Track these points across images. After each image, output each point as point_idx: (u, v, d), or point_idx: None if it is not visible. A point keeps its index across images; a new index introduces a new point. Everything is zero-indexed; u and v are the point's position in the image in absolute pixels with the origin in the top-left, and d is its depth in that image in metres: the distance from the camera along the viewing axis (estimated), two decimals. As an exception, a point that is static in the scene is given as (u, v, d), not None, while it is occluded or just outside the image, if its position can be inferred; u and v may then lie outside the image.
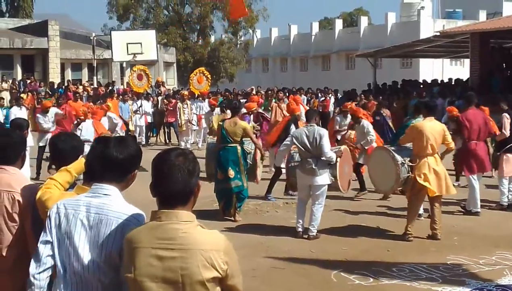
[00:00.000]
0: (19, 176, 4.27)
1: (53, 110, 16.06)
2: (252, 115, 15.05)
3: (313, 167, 9.42)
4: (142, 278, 2.91)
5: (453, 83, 31.86)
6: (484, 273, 8.08)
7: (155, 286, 2.89)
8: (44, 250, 3.28)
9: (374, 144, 12.79)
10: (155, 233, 2.93)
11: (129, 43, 32.21)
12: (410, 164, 9.83)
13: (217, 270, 2.89)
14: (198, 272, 2.87)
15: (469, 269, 8.23)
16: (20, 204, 4.09)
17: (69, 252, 3.25)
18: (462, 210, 11.57)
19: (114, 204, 3.26)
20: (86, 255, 3.21)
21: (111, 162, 3.31)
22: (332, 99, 30.63)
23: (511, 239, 9.74)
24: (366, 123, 13.29)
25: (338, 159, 9.76)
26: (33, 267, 3.31)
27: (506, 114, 11.93)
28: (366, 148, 12.93)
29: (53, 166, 5.01)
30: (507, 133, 11.80)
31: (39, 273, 3.28)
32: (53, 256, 3.28)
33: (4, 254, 4.08)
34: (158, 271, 2.90)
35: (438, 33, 33.46)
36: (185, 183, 2.96)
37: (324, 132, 9.57)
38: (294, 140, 9.70)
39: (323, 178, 9.54)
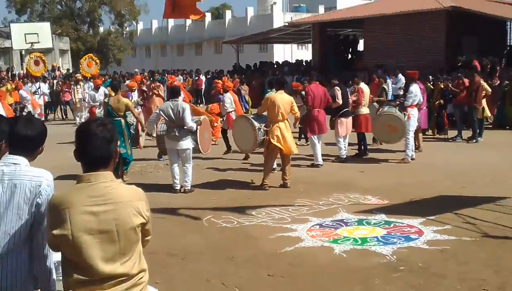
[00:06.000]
0: None
1: None
2: (135, 92, 14.96)
3: (177, 134, 9.38)
4: (78, 233, 2.78)
5: (299, 64, 32.68)
6: (323, 211, 8.37)
7: (91, 238, 2.79)
8: None
9: (233, 114, 13.01)
10: (86, 193, 2.82)
11: (27, 34, 30.85)
12: (265, 129, 10.02)
13: (143, 216, 2.90)
14: (129, 221, 2.84)
15: (312, 209, 8.50)
16: None
17: None
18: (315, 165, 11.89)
19: (24, 169, 3.12)
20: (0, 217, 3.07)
21: (21, 138, 3.18)
22: (203, 78, 30.60)
23: (344, 184, 10.13)
24: (228, 95, 13.45)
25: (198, 127, 9.74)
26: None
27: (337, 87, 12.26)
28: (224, 115, 13.18)
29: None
30: (340, 102, 12.17)
31: None
32: None
33: None
34: (94, 225, 2.79)
35: (287, 24, 34.03)
36: (105, 149, 2.89)
37: (186, 106, 9.50)
38: (161, 112, 9.56)
39: (186, 143, 9.50)
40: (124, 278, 2.85)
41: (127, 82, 20.36)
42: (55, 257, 3.20)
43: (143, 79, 20.71)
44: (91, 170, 2.88)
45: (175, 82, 16.97)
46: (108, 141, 2.92)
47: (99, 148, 2.88)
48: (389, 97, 16.39)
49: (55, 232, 2.83)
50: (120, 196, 2.87)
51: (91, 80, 21.66)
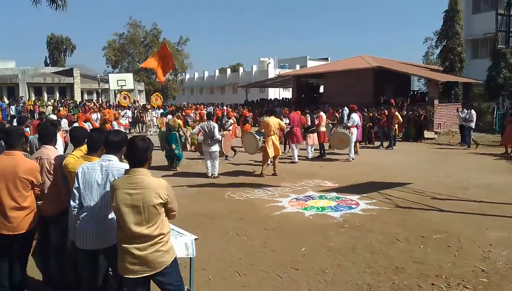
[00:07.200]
0: (53, 150, 3.95)
1: (64, 120, 13.10)
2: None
3: (209, 142, 9.37)
4: (120, 205, 2.77)
5: (283, 99, 32.54)
6: (298, 190, 8.32)
7: (127, 209, 2.77)
8: (76, 192, 3.11)
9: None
10: (127, 181, 2.80)
11: (118, 80, 30.93)
12: (263, 139, 9.98)
13: (161, 198, 2.80)
14: (151, 200, 2.77)
15: (291, 189, 8.44)
16: (54, 165, 3.79)
17: (89, 191, 3.09)
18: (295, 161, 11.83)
19: (114, 163, 3.12)
20: (100, 193, 3.08)
21: (112, 143, 3.17)
22: (225, 108, 30.56)
23: (311, 174, 10.04)
24: (230, 120, 13.39)
25: (222, 138, 9.74)
26: (72, 202, 3.14)
27: (308, 115, 12.31)
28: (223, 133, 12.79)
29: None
30: (309, 124, 12.20)
31: (76, 204, 3.13)
32: (80, 195, 3.11)
33: (46, 191, 3.78)
34: (128, 201, 2.77)
35: (276, 75, 33.94)
36: (142, 154, 2.84)
37: (215, 125, 9.46)
38: (201, 128, 9.57)
39: (215, 147, 9.47)
40: (147, 237, 2.79)
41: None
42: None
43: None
44: (133, 167, 2.84)
45: (206, 109, 17.00)
46: (145, 150, 2.85)
47: (138, 154, 2.83)
48: (344, 121, 16.29)
49: (111, 204, 2.85)
50: (147, 184, 2.79)
51: (157, 108, 21.65)
